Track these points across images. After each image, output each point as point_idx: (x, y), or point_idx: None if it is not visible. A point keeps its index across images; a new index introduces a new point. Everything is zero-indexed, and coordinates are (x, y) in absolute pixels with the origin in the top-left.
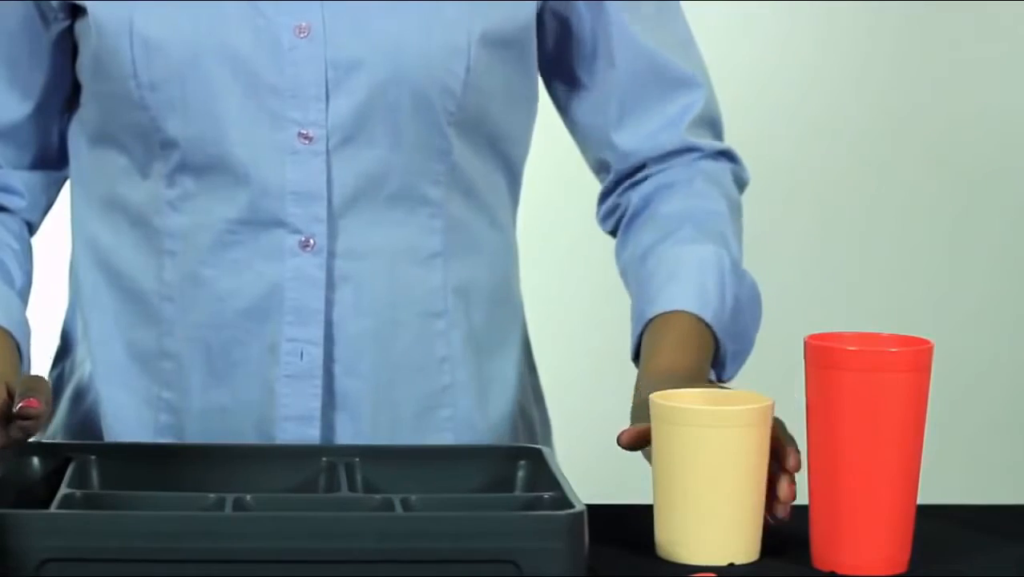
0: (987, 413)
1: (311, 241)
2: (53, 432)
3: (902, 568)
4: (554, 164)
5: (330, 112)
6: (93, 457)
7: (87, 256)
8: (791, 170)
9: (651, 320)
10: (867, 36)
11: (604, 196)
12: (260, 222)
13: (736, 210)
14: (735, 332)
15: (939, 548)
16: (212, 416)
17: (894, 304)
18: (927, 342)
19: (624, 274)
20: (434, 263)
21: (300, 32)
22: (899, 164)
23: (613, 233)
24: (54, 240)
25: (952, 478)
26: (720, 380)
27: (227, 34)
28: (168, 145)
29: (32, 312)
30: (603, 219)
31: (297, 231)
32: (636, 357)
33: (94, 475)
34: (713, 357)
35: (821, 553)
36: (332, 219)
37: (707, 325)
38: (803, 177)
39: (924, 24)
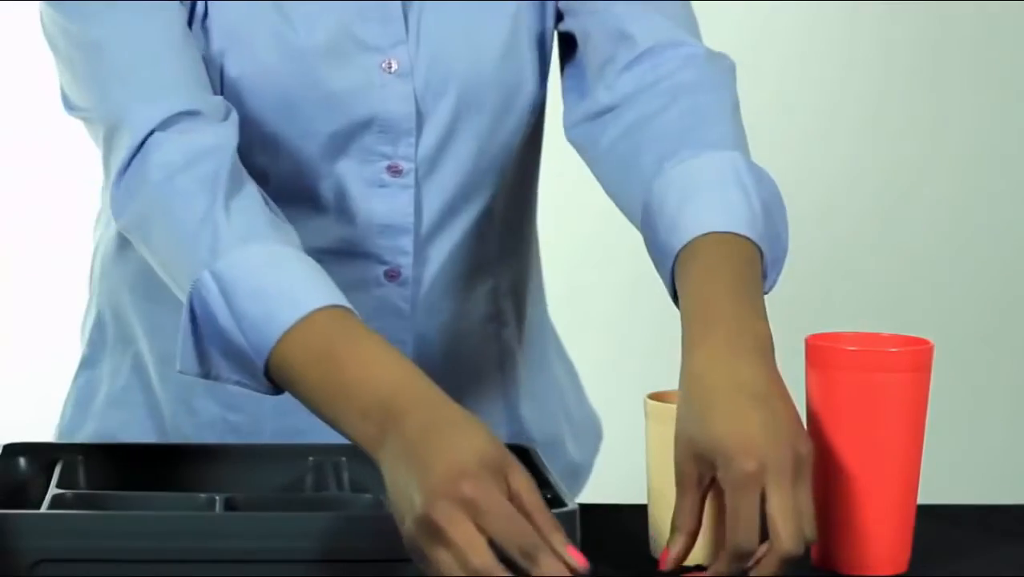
0: (987, 413)
1: (397, 272)
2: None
3: (902, 568)
4: (556, 164)
5: (420, 145)
6: (80, 457)
7: (147, 280)
8: (791, 171)
9: (679, 253)
10: (853, 35)
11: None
12: (346, 253)
13: (736, 105)
14: (770, 237)
15: (939, 548)
16: (284, 440)
17: (894, 304)
18: (927, 342)
19: (605, 155)
20: (490, 269)
21: (389, 68)
22: (899, 165)
23: (575, 127)
24: (62, 242)
25: (952, 478)
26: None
27: (317, 72)
28: (257, 179)
29: (49, 314)
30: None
31: (383, 262)
32: (675, 296)
33: (81, 475)
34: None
35: (821, 553)
36: (419, 250)
37: (742, 236)
38: (803, 177)
39: (921, 23)
